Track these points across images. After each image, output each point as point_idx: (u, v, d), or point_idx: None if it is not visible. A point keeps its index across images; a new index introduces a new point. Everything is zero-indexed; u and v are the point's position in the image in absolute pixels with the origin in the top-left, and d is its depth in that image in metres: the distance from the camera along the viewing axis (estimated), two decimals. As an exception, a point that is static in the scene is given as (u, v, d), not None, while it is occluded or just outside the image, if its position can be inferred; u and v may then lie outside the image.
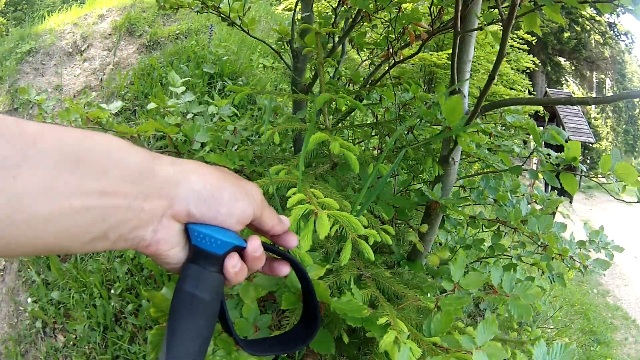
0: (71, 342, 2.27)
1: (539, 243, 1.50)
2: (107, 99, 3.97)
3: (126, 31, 4.87)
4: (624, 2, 1.04)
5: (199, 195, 0.42)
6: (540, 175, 1.45)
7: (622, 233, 7.96)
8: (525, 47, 8.83)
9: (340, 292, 0.96)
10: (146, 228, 0.40)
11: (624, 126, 26.88)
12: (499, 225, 1.60)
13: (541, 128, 1.60)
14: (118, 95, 3.92)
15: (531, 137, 1.60)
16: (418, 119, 1.60)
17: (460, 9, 1.24)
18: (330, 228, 0.74)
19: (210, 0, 1.89)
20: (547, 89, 15.28)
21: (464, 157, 1.48)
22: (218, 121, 2.02)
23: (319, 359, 1.38)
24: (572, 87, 25.27)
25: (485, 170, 1.67)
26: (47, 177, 0.32)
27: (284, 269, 0.54)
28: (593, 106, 22.46)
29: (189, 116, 1.84)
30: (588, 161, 18.43)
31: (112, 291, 2.34)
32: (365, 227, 0.80)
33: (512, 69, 8.64)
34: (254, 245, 0.47)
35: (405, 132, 1.60)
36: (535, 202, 1.75)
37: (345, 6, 1.71)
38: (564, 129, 12.08)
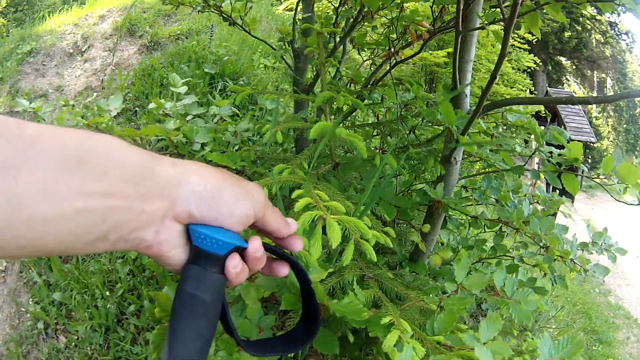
0: (73, 343, 2.27)
1: (541, 244, 1.50)
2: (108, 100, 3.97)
3: (127, 32, 4.87)
4: (624, 1, 1.04)
5: (199, 195, 0.42)
6: (542, 175, 1.45)
7: (624, 233, 7.94)
8: (526, 46, 8.83)
9: (343, 292, 0.96)
10: (147, 229, 0.40)
11: (625, 125, 26.84)
12: (501, 226, 1.60)
13: (542, 127, 1.60)
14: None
15: (532, 136, 1.59)
16: (420, 119, 1.59)
17: (461, 8, 1.24)
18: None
19: None
20: (548, 89, 15.26)
21: (465, 156, 1.48)
22: (219, 122, 2.02)
23: (322, 359, 1.37)
24: (573, 87, 25.26)
25: (487, 170, 1.66)
26: (47, 178, 0.32)
27: (283, 270, 0.54)
28: (594, 105, 22.46)
29: (189, 117, 1.84)
30: (589, 160, 18.43)
31: (114, 292, 2.34)
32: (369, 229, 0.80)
33: (513, 68, 8.64)
34: (255, 246, 0.47)
35: (407, 132, 1.60)
36: (537, 202, 1.75)
37: (346, 6, 1.71)
38: (565, 128, 12.08)
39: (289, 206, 0.80)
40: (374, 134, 1.88)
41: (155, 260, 0.44)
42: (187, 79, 3.42)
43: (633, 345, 4.92)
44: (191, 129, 1.56)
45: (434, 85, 7.79)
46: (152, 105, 1.81)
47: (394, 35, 1.68)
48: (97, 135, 0.37)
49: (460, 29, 1.29)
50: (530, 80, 11.03)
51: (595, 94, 23.74)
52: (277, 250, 0.53)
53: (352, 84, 1.93)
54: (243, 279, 0.47)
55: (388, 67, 1.74)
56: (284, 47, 1.96)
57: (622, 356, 4.50)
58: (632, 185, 1.20)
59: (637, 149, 27.27)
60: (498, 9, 1.17)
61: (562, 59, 23.16)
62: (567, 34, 21.23)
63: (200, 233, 0.43)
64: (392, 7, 1.55)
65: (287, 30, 1.88)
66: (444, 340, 0.83)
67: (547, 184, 1.91)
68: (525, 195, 1.72)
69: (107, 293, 2.34)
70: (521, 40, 8.61)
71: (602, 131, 24.71)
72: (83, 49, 4.85)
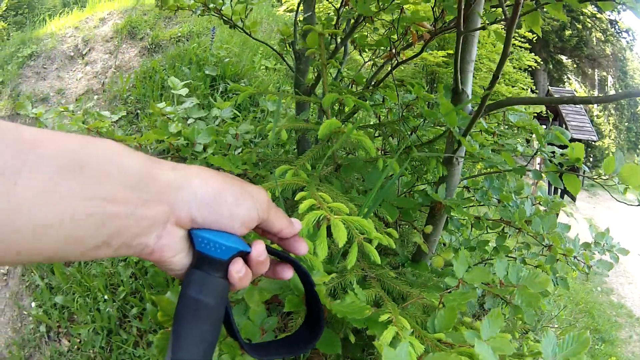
0: (75, 346, 2.27)
1: (544, 244, 1.49)
2: (110, 103, 3.98)
3: (127, 34, 4.88)
4: (626, -1, 1.04)
5: (201, 198, 0.42)
6: (543, 176, 1.44)
7: (626, 231, 7.92)
8: (527, 45, 8.81)
9: (345, 293, 0.95)
10: (149, 235, 0.40)
11: (626, 124, 26.78)
12: (503, 227, 1.59)
13: (544, 127, 1.60)
14: (120, 99, 3.93)
15: (534, 136, 1.59)
16: (421, 120, 1.59)
17: (463, 8, 1.24)
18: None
19: (212, 2, 1.89)
20: (550, 88, 15.26)
21: (466, 157, 1.48)
22: (221, 124, 2.02)
23: (324, 361, 1.37)
24: (574, 85, 25.22)
25: (489, 170, 1.66)
26: (48, 182, 0.32)
27: (288, 273, 0.53)
28: (595, 104, 22.39)
29: (190, 121, 1.84)
30: (591, 159, 18.40)
31: (116, 295, 2.34)
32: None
33: (514, 67, 8.63)
34: (259, 250, 0.47)
35: (409, 133, 1.60)
36: (539, 204, 1.75)
37: (347, 7, 1.71)
38: (566, 127, 12.07)
39: (292, 208, 0.79)
40: (376, 135, 1.88)
41: (158, 266, 0.44)
42: (188, 81, 3.42)
43: (635, 344, 4.91)
44: (193, 130, 1.56)
45: (435, 85, 7.78)
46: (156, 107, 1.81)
47: (395, 36, 1.68)
48: (97, 140, 0.37)
49: (462, 30, 1.28)
50: (532, 79, 11.02)
51: (596, 92, 23.72)
52: (280, 253, 0.53)
53: (353, 85, 1.93)
54: (247, 283, 0.46)
55: (389, 68, 1.74)
56: (285, 48, 1.96)
57: (624, 355, 4.50)
58: (634, 187, 1.20)
59: (639, 147, 27.22)
60: (499, 9, 1.17)
61: (563, 58, 23.13)
62: (567, 33, 21.20)
63: (204, 238, 0.43)
64: (392, 8, 1.55)
65: (289, 31, 1.88)
66: (445, 338, 0.82)
67: (549, 184, 1.91)
68: (528, 197, 1.71)
69: (110, 296, 2.34)
70: (522, 39, 8.60)
71: (603, 129, 24.68)
72: (84, 52, 4.85)
